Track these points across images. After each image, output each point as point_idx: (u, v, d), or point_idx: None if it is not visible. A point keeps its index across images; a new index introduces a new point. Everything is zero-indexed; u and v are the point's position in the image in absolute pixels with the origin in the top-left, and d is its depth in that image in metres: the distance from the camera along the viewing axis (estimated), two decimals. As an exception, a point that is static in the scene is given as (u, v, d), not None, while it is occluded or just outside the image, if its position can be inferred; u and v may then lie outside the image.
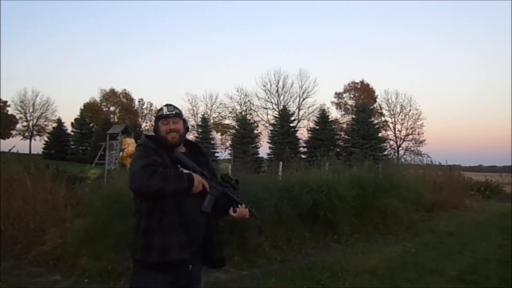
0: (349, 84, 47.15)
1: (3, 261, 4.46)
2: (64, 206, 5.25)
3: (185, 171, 1.97)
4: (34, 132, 49.03)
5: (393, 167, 10.43)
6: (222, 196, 2.01)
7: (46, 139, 45.00)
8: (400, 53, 67.12)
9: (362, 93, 46.02)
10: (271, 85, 43.23)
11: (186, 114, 42.92)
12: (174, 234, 1.86)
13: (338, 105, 46.87)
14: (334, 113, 44.06)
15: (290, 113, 38.51)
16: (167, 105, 2.06)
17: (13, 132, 48.51)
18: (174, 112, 2.04)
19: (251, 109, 43.78)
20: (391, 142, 42.43)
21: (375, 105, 43.36)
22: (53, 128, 44.97)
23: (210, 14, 68.22)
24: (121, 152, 18.09)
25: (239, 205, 2.00)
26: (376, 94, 45.77)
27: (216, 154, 33.14)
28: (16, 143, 46.69)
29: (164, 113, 2.02)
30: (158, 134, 2.04)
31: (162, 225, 1.86)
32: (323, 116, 36.80)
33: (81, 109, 45.45)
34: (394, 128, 43.52)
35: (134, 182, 1.80)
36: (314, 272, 4.72)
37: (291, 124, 37.06)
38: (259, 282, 4.33)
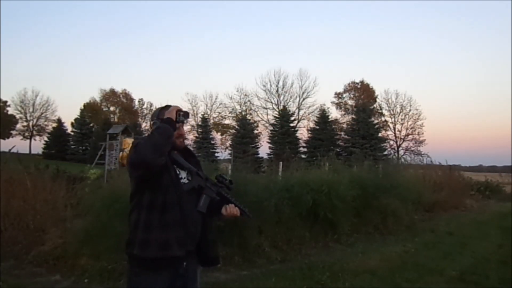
0: (349, 84, 47.20)
1: (3, 261, 4.46)
2: (64, 206, 5.25)
3: (182, 172, 2.00)
4: (34, 132, 49.06)
5: (393, 167, 10.42)
6: (217, 196, 2.04)
7: (46, 139, 45.00)
8: (400, 53, 67.16)
9: (362, 93, 46.00)
10: (271, 85, 43.28)
11: (186, 114, 42.83)
12: (174, 230, 1.87)
13: (338, 105, 46.89)
14: (334, 113, 44.13)
15: (290, 113, 38.49)
16: (181, 111, 2.02)
17: (13, 132, 48.55)
18: (187, 119, 2.06)
19: (251, 109, 43.83)
20: (391, 142, 42.46)
21: (375, 105, 43.35)
22: (53, 128, 44.96)
23: (210, 14, 68.31)
24: (121, 152, 18.07)
25: (229, 204, 2.04)
26: (376, 94, 45.80)
27: (216, 154, 33.21)
28: (16, 143, 46.84)
29: (179, 119, 2.00)
30: None
31: (164, 220, 1.87)
32: (323, 116, 36.79)
33: (81, 109, 45.46)
34: (394, 128, 43.57)
35: (140, 153, 1.76)
36: (314, 272, 4.72)
37: (291, 124, 37.04)
38: (259, 282, 4.33)
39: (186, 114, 2.02)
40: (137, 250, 1.87)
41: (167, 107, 2.03)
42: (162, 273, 1.88)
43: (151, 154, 1.76)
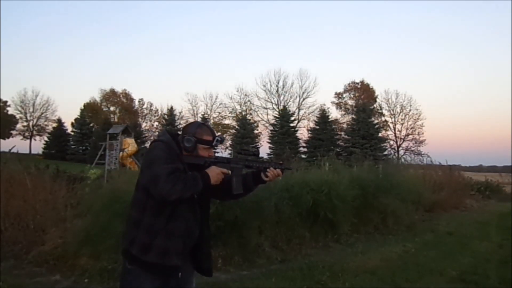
0: (349, 84, 47.25)
1: (3, 261, 4.46)
2: (64, 206, 5.24)
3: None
4: (34, 132, 49.05)
5: (393, 167, 10.44)
6: (247, 169, 2.04)
7: (46, 139, 45.08)
8: (400, 53, 67.14)
9: (362, 93, 46.03)
10: (271, 85, 43.37)
11: (186, 114, 43.00)
12: (175, 240, 1.87)
13: (338, 105, 46.93)
14: (334, 113, 44.22)
15: (290, 113, 38.56)
16: (219, 137, 2.05)
17: (13, 132, 48.57)
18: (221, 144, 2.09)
19: (251, 109, 43.89)
20: (391, 142, 42.50)
21: (375, 105, 43.39)
22: (53, 128, 45.01)
23: (210, 14, 68.32)
24: (121, 152, 18.10)
25: (268, 169, 2.01)
26: (376, 94, 45.85)
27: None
28: (16, 143, 46.69)
29: (214, 143, 2.02)
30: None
31: (168, 228, 1.85)
32: (323, 116, 36.85)
33: (81, 109, 45.49)
34: (394, 128, 43.61)
35: (158, 188, 1.75)
36: (314, 272, 4.72)
37: (291, 124, 37.10)
38: (259, 282, 4.33)
39: (222, 140, 2.08)
40: (136, 251, 1.86)
41: (205, 127, 2.04)
42: (156, 275, 1.88)
43: (167, 195, 1.75)
